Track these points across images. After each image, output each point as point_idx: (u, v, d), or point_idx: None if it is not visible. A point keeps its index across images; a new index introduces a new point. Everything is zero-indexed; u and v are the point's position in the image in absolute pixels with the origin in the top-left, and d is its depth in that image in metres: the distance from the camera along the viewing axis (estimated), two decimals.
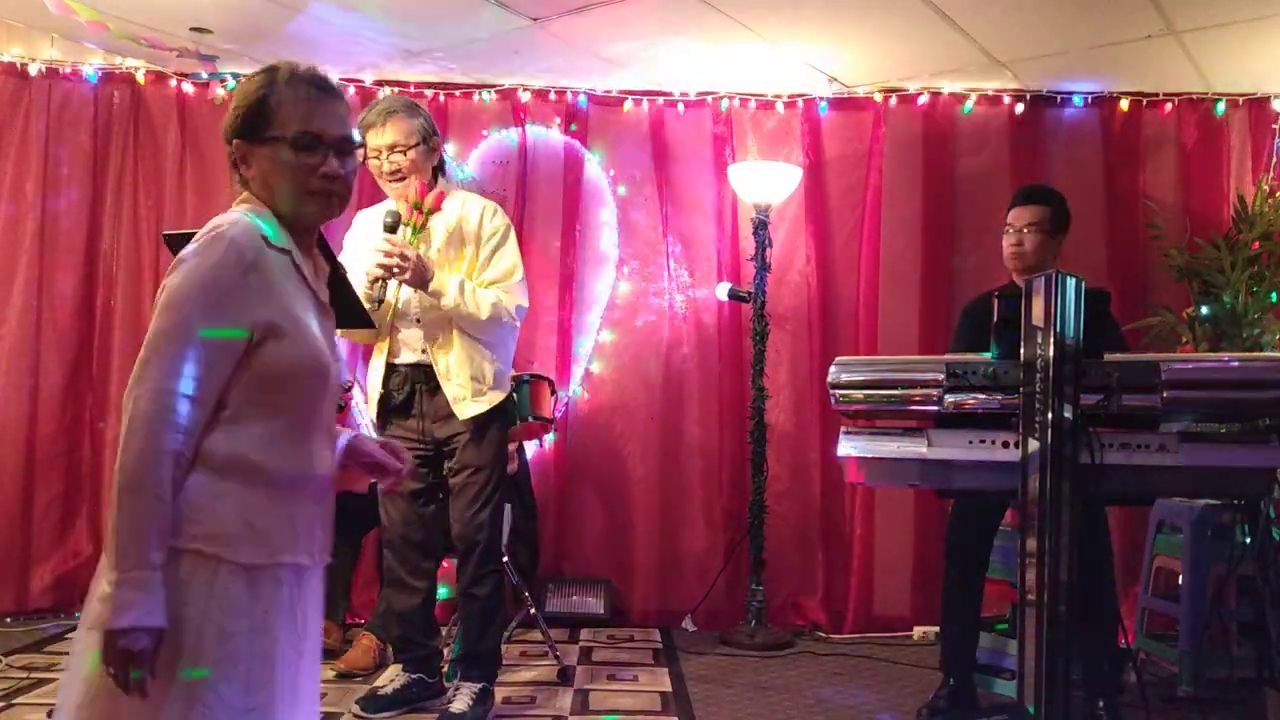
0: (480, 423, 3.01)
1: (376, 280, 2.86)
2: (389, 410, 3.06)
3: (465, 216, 3.05)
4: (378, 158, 2.97)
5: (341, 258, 3.12)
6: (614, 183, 4.57)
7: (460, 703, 3.01)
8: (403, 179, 2.97)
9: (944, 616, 3.31)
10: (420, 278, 2.87)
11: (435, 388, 3.00)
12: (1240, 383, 2.27)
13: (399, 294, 2.96)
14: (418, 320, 2.99)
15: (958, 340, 3.33)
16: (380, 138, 2.95)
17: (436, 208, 2.96)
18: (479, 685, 3.06)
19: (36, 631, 4.01)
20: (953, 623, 3.23)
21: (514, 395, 3.28)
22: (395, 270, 2.84)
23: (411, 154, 2.95)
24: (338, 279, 2.31)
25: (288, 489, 1.52)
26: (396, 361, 3.04)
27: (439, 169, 3.10)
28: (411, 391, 3.03)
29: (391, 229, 2.91)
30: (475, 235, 3.03)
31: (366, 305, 2.89)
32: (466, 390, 2.97)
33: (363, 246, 2.99)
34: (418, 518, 3.11)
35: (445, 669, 3.32)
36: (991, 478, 2.35)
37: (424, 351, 3.00)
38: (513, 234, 3.11)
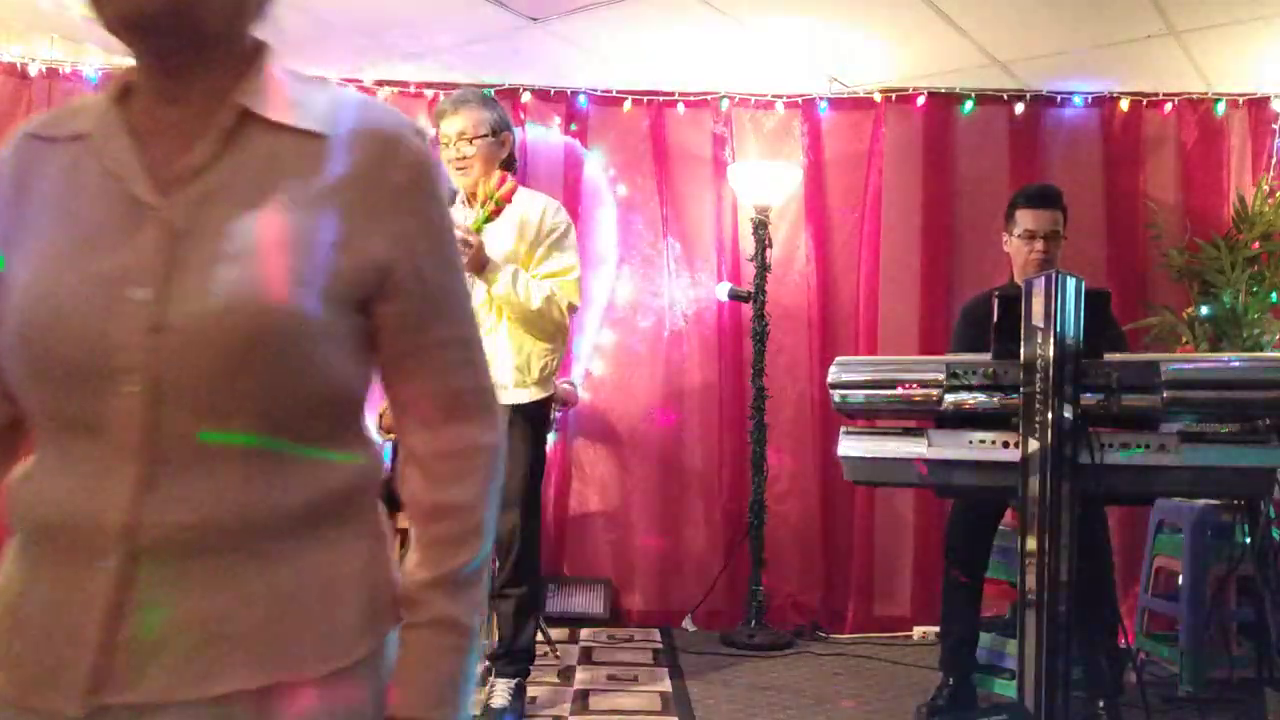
0: (516, 420, 2.96)
1: None
2: None
3: (527, 211, 3.05)
4: (447, 145, 3.00)
5: None
6: (614, 183, 4.56)
7: (499, 697, 3.03)
8: (468, 168, 2.99)
9: (943, 616, 3.31)
10: (477, 263, 2.87)
11: None
12: (1240, 383, 2.28)
13: None
14: None
15: (957, 340, 3.32)
16: (450, 125, 2.99)
17: (508, 199, 2.97)
18: (515, 680, 3.09)
19: None
20: (952, 623, 3.23)
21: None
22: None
23: (479, 144, 2.98)
24: None
25: (25, 547, 0.88)
26: None
27: (509, 164, 3.11)
28: None
29: (450, 203, 2.93)
30: (536, 230, 3.03)
31: None
32: (509, 378, 2.95)
33: None
34: None
35: None
36: (991, 478, 2.35)
37: None
38: (573, 233, 3.13)
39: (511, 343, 2.97)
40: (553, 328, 3.03)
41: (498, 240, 3.00)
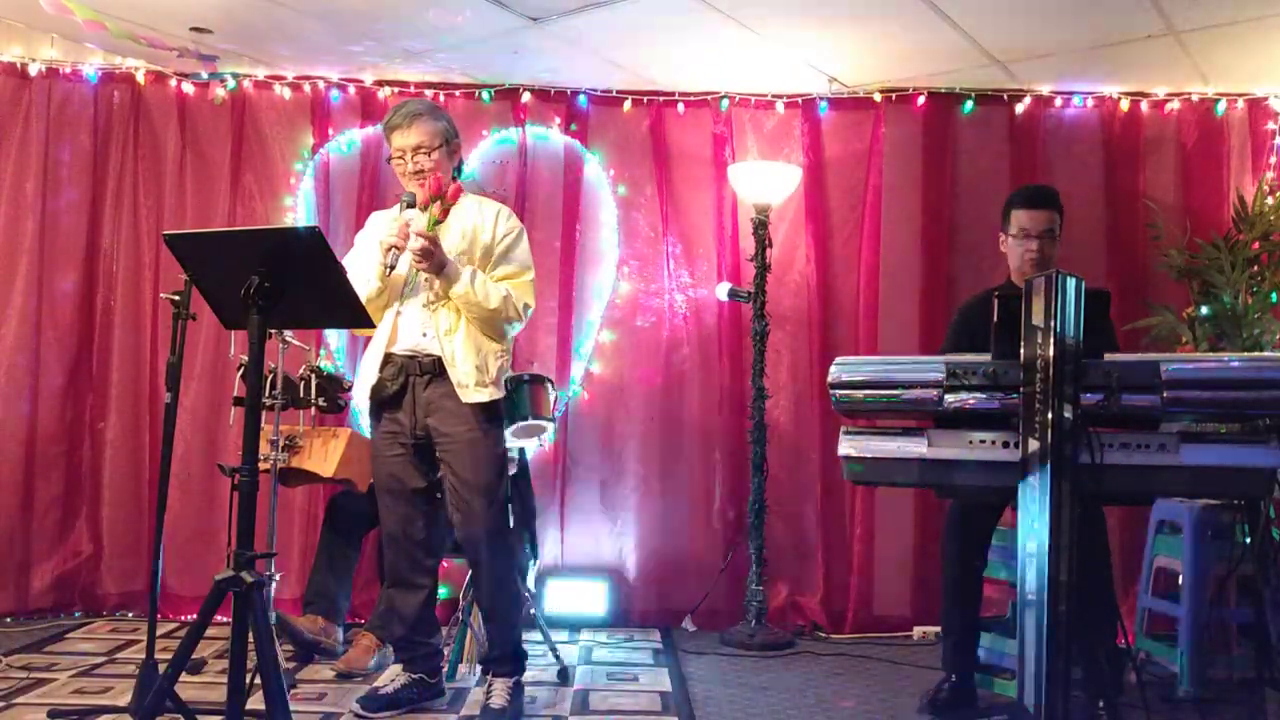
0: (478, 419, 3.01)
1: (390, 249, 2.89)
2: (381, 401, 3.06)
3: (481, 218, 3.09)
4: (401, 158, 3.04)
5: (351, 254, 3.14)
6: (614, 183, 4.56)
7: (498, 698, 3.04)
8: (426, 180, 3.02)
9: (943, 616, 3.31)
10: (438, 264, 2.91)
11: (429, 380, 3.01)
12: (1240, 383, 2.27)
13: (413, 276, 2.99)
14: (426, 304, 3.01)
15: (951, 338, 3.32)
16: (405, 139, 3.03)
17: (454, 200, 2.99)
18: (512, 680, 3.10)
19: (36, 631, 4.01)
20: (953, 622, 3.23)
21: (512, 396, 3.30)
22: (416, 258, 2.89)
23: (435, 155, 3.03)
24: (336, 279, 2.31)
25: None
26: (394, 350, 3.04)
27: (457, 171, 3.17)
28: (405, 383, 3.03)
29: (410, 205, 2.98)
30: (490, 236, 3.07)
31: (377, 281, 2.94)
32: (470, 378, 2.99)
33: (375, 232, 3.06)
34: (420, 515, 3.11)
35: (445, 669, 3.33)
36: (991, 477, 2.35)
37: (425, 335, 3.01)
38: (525, 237, 3.16)
39: (470, 343, 3.00)
40: (508, 327, 3.09)
41: (447, 244, 3.02)
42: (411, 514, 3.10)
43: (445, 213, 2.97)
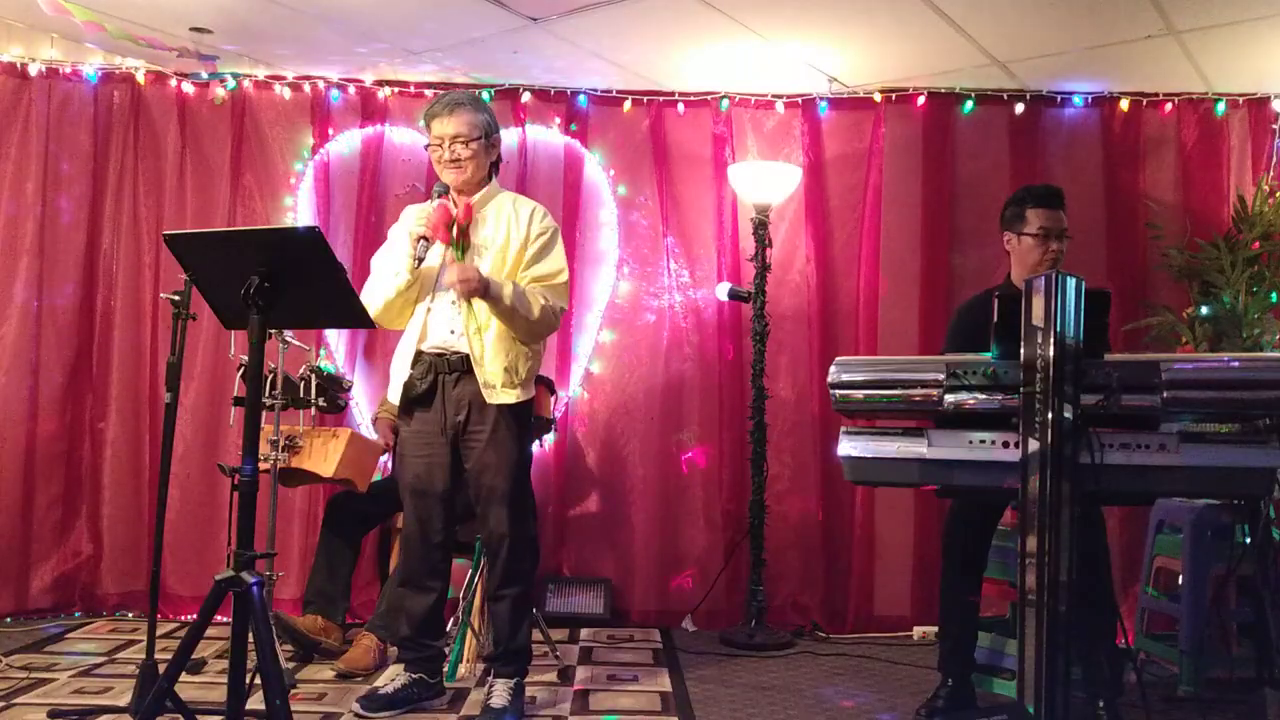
0: (505, 419, 3.01)
1: (419, 240, 2.90)
2: (411, 400, 3.05)
3: (515, 216, 3.08)
4: (440, 146, 3.03)
5: (384, 247, 3.13)
6: (614, 183, 4.57)
7: (499, 697, 3.04)
8: (463, 169, 3.02)
9: (942, 617, 3.31)
10: (482, 288, 2.90)
11: (458, 378, 3.01)
12: (1240, 383, 2.27)
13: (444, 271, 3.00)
14: (455, 300, 3.00)
15: (951, 340, 3.32)
16: (444, 127, 3.02)
17: (465, 219, 2.99)
18: (514, 679, 3.10)
19: (36, 631, 4.01)
20: (950, 623, 3.23)
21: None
22: (458, 292, 2.90)
23: (473, 145, 3.02)
24: (336, 279, 2.31)
25: None
26: (424, 348, 3.04)
27: (494, 166, 3.16)
28: (435, 381, 3.03)
29: (443, 195, 3.00)
30: (524, 235, 3.06)
31: (407, 274, 2.95)
32: (499, 379, 2.98)
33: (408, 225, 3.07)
34: (440, 518, 3.11)
35: (445, 669, 3.33)
36: (991, 477, 2.35)
37: (453, 333, 3.01)
38: (559, 236, 3.15)
39: (500, 344, 3.00)
40: (547, 332, 3.09)
41: (480, 238, 3.02)
42: (432, 516, 3.09)
43: (466, 236, 2.98)
